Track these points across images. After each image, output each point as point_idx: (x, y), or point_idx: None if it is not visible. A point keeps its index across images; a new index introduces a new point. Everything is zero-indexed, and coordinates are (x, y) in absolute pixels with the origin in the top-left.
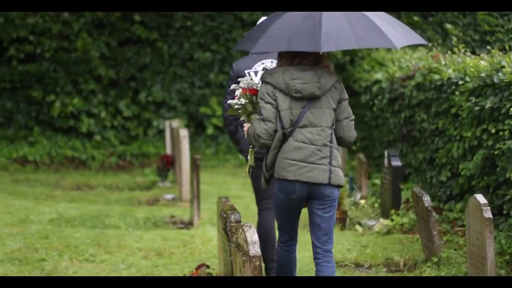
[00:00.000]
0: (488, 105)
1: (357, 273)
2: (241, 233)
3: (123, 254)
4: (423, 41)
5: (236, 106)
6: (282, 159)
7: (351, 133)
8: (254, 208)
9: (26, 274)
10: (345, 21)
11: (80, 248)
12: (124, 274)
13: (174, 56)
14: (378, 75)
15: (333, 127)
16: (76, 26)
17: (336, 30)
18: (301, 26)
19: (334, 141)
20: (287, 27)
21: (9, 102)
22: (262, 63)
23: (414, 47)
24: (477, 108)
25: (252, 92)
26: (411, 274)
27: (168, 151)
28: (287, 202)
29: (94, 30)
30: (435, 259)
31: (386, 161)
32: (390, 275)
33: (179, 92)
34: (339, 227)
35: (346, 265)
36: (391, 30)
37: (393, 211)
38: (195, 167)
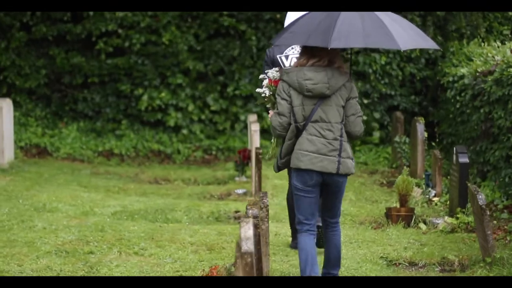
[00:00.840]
0: None
1: (407, 272)
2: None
3: (174, 248)
4: (435, 46)
5: (262, 95)
6: (297, 150)
7: (358, 128)
8: None
9: (69, 266)
10: (359, 20)
11: (132, 242)
12: (167, 268)
13: (262, 49)
14: (464, 70)
15: (343, 122)
16: (165, 19)
17: (348, 29)
18: (320, 24)
19: (344, 135)
20: (309, 24)
21: (98, 96)
22: (292, 48)
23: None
24: None
25: (276, 84)
26: (462, 275)
27: (250, 145)
28: (302, 189)
29: (182, 23)
30: (488, 259)
31: (454, 157)
32: (441, 275)
33: None
34: (403, 224)
35: (400, 264)
36: (400, 31)
37: (459, 209)
38: (257, 161)
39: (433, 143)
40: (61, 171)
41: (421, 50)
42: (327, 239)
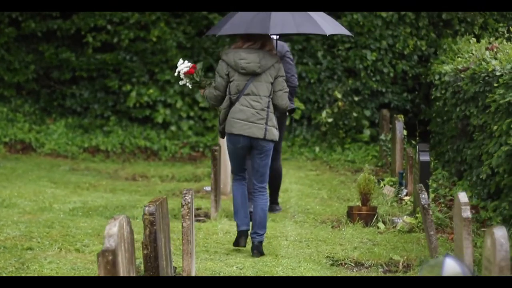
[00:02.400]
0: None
1: (347, 273)
2: None
3: None
4: (348, 33)
5: (181, 83)
6: (230, 118)
7: (284, 102)
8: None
9: (1, 262)
10: (289, 16)
11: (76, 238)
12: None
13: None
14: (447, 67)
15: (271, 96)
16: (154, 15)
17: (282, 20)
18: (255, 17)
19: (271, 107)
20: (245, 18)
21: (86, 92)
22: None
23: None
24: (503, 101)
25: (192, 72)
26: (404, 275)
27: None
28: (234, 150)
29: (171, 19)
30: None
31: (416, 155)
32: (382, 275)
33: None
34: (361, 224)
35: (345, 264)
36: (324, 23)
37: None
38: (213, 158)
39: (413, 141)
40: (38, 167)
41: (415, 47)
42: (254, 202)
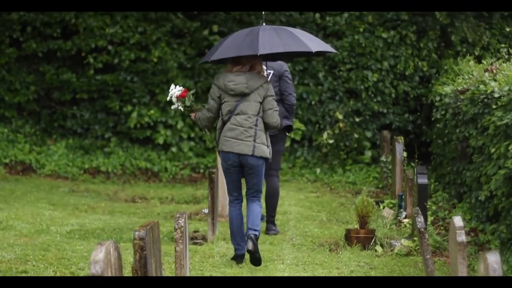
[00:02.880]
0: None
1: None
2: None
3: None
4: (334, 50)
5: (173, 107)
6: (222, 137)
7: (274, 120)
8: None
9: None
10: (275, 35)
11: (72, 261)
12: None
13: None
14: (447, 89)
15: (259, 115)
16: (154, 35)
17: (269, 40)
18: (245, 39)
19: (260, 125)
20: (235, 41)
21: (87, 113)
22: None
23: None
24: (501, 123)
25: (184, 96)
26: None
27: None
28: (227, 168)
29: (172, 40)
30: None
31: (414, 178)
32: None
33: None
34: (359, 247)
35: None
36: (309, 41)
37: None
38: (210, 181)
39: (412, 164)
40: (37, 188)
41: (416, 68)
42: (248, 207)
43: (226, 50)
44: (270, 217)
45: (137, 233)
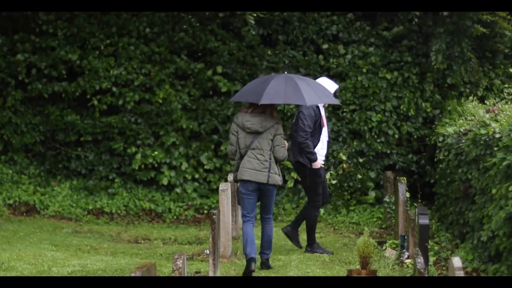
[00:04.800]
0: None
1: None
2: None
3: None
4: (336, 102)
5: None
6: (241, 168)
7: (280, 154)
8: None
9: None
10: (283, 86)
11: None
12: None
13: None
14: (450, 129)
15: (271, 150)
16: (158, 77)
17: (274, 92)
18: (258, 87)
19: (272, 158)
20: (251, 86)
21: (91, 154)
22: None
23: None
24: (504, 163)
25: None
26: None
27: None
28: (245, 193)
29: (176, 81)
30: None
31: (416, 218)
32: None
33: None
34: None
35: None
36: (311, 92)
37: None
38: (211, 221)
39: (415, 204)
40: (40, 229)
41: (419, 110)
42: (262, 229)
43: (243, 94)
44: (309, 239)
45: (133, 274)
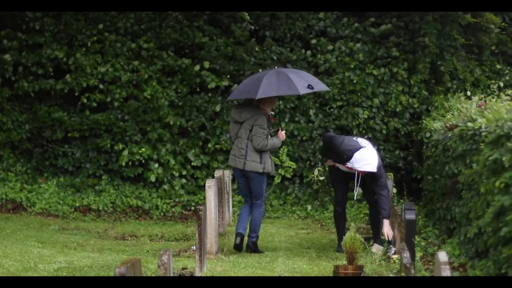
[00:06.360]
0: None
1: None
2: None
3: None
4: (327, 88)
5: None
6: (229, 154)
7: (256, 143)
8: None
9: None
10: (275, 80)
11: None
12: None
13: None
14: (437, 125)
15: (249, 139)
16: (146, 73)
17: (267, 87)
18: (253, 84)
19: (249, 146)
20: (246, 84)
21: (78, 151)
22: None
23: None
24: (489, 162)
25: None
26: None
27: None
28: (237, 179)
29: (163, 78)
30: None
31: (402, 214)
32: None
33: None
34: None
35: None
36: (302, 82)
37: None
38: (197, 218)
39: (401, 200)
40: (27, 226)
41: (406, 105)
42: (252, 214)
43: (239, 92)
44: (374, 237)
45: (117, 269)
